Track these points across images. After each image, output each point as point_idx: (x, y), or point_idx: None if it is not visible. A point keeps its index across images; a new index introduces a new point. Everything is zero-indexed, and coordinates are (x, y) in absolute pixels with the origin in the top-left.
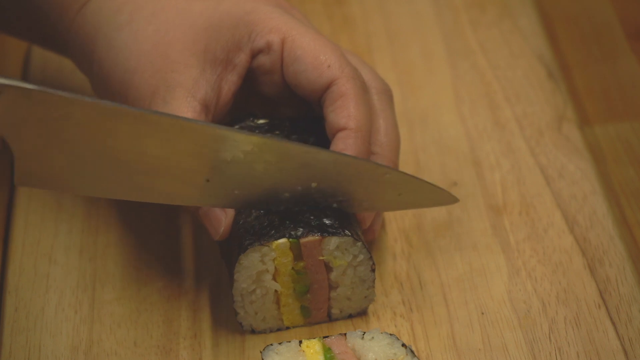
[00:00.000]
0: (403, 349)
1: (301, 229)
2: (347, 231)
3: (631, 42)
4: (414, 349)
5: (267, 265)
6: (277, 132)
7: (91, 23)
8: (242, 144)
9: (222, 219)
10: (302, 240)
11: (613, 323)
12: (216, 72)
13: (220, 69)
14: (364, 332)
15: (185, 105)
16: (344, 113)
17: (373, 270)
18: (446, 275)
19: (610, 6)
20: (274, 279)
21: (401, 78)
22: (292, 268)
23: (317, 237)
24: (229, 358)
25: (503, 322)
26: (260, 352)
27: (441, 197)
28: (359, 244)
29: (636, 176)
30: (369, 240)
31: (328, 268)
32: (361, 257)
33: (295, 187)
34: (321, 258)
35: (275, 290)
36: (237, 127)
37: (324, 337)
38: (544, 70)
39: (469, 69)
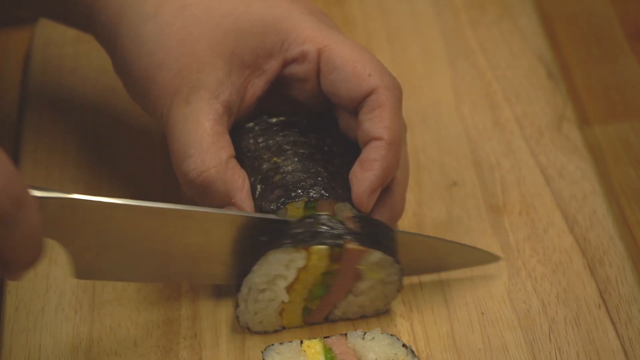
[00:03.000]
0: (404, 349)
1: (348, 236)
2: (389, 249)
3: (631, 42)
4: (414, 349)
5: (289, 271)
6: (295, 129)
7: (115, 8)
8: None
9: None
10: (348, 246)
11: (613, 323)
12: (243, 76)
13: (248, 73)
14: (365, 333)
15: (207, 107)
16: (381, 124)
17: (399, 291)
18: (446, 275)
19: (610, 6)
20: (290, 286)
21: (401, 78)
22: (323, 271)
23: (363, 248)
24: (229, 358)
25: (503, 322)
26: (262, 352)
27: (483, 256)
28: (397, 266)
29: (636, 176)
30: None
31: (357, 276)
32: (395, 277)
33: None
34: (358, 267)
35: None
36: (251, 123)
37: (325, 338)
38: (544, 70)
39: (469, 69)
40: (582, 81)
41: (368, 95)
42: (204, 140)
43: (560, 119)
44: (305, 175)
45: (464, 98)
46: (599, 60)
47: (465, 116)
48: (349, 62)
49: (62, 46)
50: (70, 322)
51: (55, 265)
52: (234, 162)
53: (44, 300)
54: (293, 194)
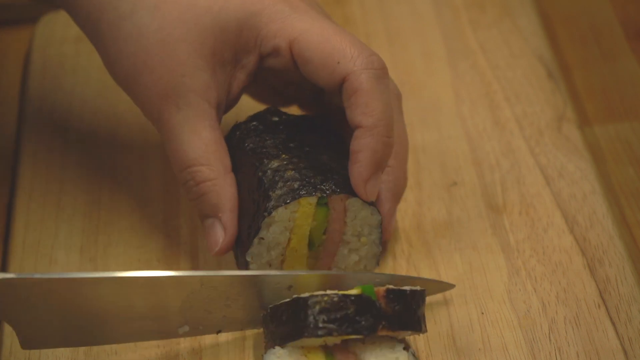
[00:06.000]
0: (405, 352)
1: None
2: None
3: (631, 42)
4: (414, 349)
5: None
6: (300, 127)
7: (94, 5)
8: (219, 283)
9: (219, 240)
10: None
11: (613, 323)
12: (226, 72)
13: (230, 68)
14: (365, 337)
15: (201, 113)
16: (358, 110)
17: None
18: (446, 275)
19: (610, 6)
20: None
21: (401, 78)
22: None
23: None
24: (229, 358)
25: (503, 322)
26: (262, 355)
27: (437, 286)
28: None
29: (636, 176)
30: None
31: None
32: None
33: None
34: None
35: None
36: (255, 122)
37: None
38: (544, 70)
39: (469, 69)
40: (582, 81)
41: (342, 82)
42: (203, 152)
43: (560, 119)
44: (315, 172)
45: (464, 98)
46: (599, 60)
47: (465, 116)
48: (318, 52)
49: (62, 46)
50: None
51: (55, 265)
52: (230, 178)
53: None
54: (306, 190)
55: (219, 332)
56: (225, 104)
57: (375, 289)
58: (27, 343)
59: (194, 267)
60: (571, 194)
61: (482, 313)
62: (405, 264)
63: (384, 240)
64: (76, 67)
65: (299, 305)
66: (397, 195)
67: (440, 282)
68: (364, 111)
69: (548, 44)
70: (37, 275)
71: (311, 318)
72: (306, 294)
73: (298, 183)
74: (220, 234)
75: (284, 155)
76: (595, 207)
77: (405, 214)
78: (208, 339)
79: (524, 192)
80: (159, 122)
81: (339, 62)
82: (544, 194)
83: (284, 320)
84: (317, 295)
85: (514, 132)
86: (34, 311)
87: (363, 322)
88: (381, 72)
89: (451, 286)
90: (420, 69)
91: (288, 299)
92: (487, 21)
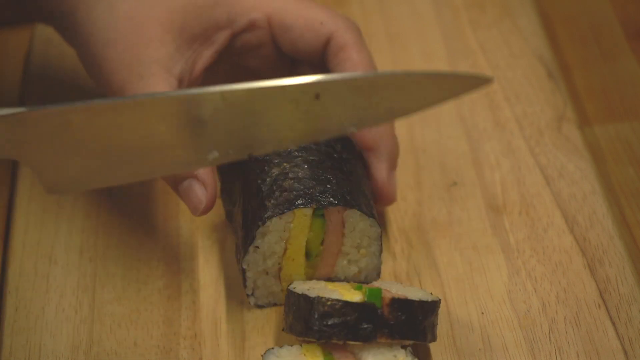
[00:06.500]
0: (402, 350)
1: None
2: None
3: (631, 42)
4: (413, 349)
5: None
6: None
7: None
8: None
9: (202, 197)
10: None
11: (613, 323)
12: (192, 48)
13: (197, 45)
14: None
15: (162, 81)
16: (349, 63)
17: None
18: (446, 275)
19: (610, 6)
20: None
21: None
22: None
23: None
24: (229, 358)
25: (503, 322)
26: (262, 355)
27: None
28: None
29: (636, 176)
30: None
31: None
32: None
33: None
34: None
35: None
36: None
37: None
38: (544, 70)
39: (469, 69)
40: (582, 81)
41: (327, 42)
42: None
43: (560, 119)
44: (314, 182)
45: (464, 98)
46: (599, 60)
47: (465, 116)
48: (299, 17)
49: (62, 46)
50: (70, 322)
51: (55, 265)
52: None
53: (44, 300)
54: (302, 200)
55: (250, 155)
56: (189, 80)
57: (382, 294)
58: (51, 187)
59: (195, 267)
60: (571, 194)
61: (482, 313)
62: (405, 264)
63: (383, 206)
64: (76, 67)
65: (308, 303)
66: (391, 155)
67: (472, 77)
68: (355, 63)
69: (548, 44)
70: (50, 107)
71: (315, 319)
72: (314, 295)
73: (295, 193)
74: (201, 191)
75: (285, 164)
76: (595, 207)
77: (405, 213)
78: (208, 341)
79: (524, 192)
80: (122, 93)
81: (322, 23)
82: (544, 194)
83: (294, 311)
84: (322, 298)
85: (514, 132)
86: (52, 149)
87: (363, 330)
88: (361, 34)
89: (489, 80)
90: (420, 69)
91: (299, 293)
92: (487, 21)
